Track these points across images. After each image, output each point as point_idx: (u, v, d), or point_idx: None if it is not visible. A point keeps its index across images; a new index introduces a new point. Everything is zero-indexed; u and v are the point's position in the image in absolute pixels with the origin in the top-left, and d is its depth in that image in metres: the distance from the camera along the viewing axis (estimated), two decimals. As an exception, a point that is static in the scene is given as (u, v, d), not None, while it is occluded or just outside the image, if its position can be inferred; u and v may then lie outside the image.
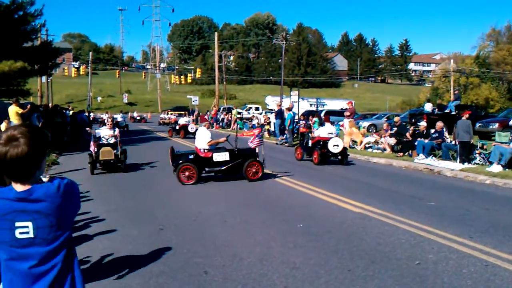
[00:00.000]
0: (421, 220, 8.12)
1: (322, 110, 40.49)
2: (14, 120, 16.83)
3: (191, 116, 53.28)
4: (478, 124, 25.66)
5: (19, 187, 2.31)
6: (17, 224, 2.29)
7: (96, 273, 5.61)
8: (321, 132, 16.94)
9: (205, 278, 5.45)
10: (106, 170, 14.63)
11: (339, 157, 16.40)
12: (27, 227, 2.30)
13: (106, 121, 16.37)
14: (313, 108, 51.57)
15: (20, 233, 2.30)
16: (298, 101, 41.87)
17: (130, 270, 5.69)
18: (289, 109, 25.15)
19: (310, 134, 17.80)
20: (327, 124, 17.41)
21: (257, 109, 59.91)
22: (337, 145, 16.12)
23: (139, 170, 15.14)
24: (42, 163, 2.38)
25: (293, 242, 6.84)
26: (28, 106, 19.21)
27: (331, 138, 16.31)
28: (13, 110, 17.43)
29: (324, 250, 6.49)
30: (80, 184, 11.68)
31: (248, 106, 59.25)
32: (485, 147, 16.27)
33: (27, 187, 2.30)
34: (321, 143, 16.44)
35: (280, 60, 79.04)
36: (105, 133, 14.96)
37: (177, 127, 31.29)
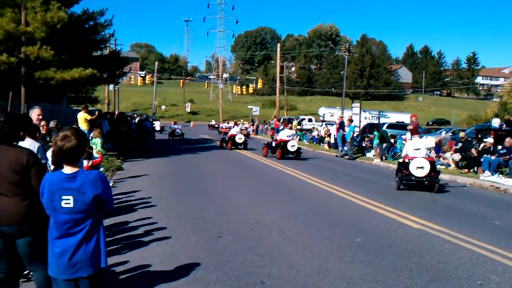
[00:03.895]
0: (485, 239, 7.85)
1: (384, 123, 39.74)
2: (83, 126, 17.53)
3: (252, 126, 53.89)
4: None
5: (68, 170, 3.48)
6: (63, 197, 3.42)
7: (156, 277, 5.76)
8: (281, 135, 22.62)
9: None
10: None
11: (295, 154, 21.90)
12: (69, 199, 3.42)
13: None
14: (370, 121, 50.31)
15: (65, 203, 3.42)
16: (360, 114, 41.31)
17: (189, 276, 5.81)
18: (350, 121, 24.92)
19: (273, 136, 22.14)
20: (286, 129, 24.27)
21: (310, 120, 59.42)
22: (294, 146, 21.73)
23: (195, 176, 15.42)
24: (84, 153, 3.65)
25: (350, 256, 6.78)
26: (96, 113, 19.97)
27: (289, 140, 21.96)
28: (82, 117, 18.17)
29: (382, 266, 6.39)
30: (141, 190, 12.07)
31: (301, 117, 58.48)
32: (557, 165, 15.52)
33: (74, 170, 3.48)
34: (281, 144, 21.98)
35: (342, 72, 78.44)
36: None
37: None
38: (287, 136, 22.37)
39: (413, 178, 13.31)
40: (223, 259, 6.51)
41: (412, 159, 13.40)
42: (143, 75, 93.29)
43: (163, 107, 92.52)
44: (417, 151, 13.65)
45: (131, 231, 8.01)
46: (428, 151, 14.12)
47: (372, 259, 6.70)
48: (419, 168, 13.16)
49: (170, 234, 7.80)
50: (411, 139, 14.95)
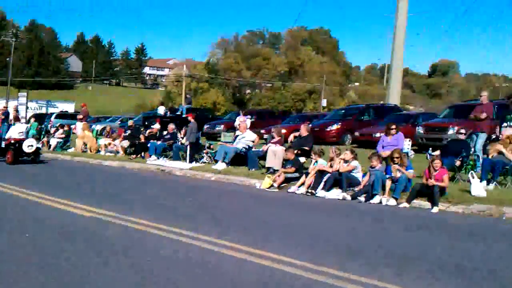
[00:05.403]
0: (149, 218, 8.30)
1: (53, 113, 38.50)
2: None
3: None
4: (206, 126, 27.56)
5: None
6: None
7: None
8: (12, 133, 17.83)
9: None
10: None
11: (32, 156, 17.38)
12: None
13: None
14: (38, 111, 47.81)
15: None
16: (27, 104, 39.21)
17: None
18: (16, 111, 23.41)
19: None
20: (18, 124, 21.26)
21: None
22: (31, 145, 17.18)
23: None
24: None
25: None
26: None
27: (24, 139, 17.59)
28: None
29: (43, 256, 6.22)
30: None
31: None
32: (212, 146, 17.63)
33: None
34: (16, 144, 17.10)
35: (8, 59, 72.63)
36: None
37: None
38: (19, 133, 17.89)
39: (23, 154, 17.10)
40: None
41: (23, 140, 17.24)
42: None
43: None
44: (20, 134, 17.61)
45: None
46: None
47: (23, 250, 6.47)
48: (30, 146, 17.17)
49: None
50: (14, 125, 19.38)
